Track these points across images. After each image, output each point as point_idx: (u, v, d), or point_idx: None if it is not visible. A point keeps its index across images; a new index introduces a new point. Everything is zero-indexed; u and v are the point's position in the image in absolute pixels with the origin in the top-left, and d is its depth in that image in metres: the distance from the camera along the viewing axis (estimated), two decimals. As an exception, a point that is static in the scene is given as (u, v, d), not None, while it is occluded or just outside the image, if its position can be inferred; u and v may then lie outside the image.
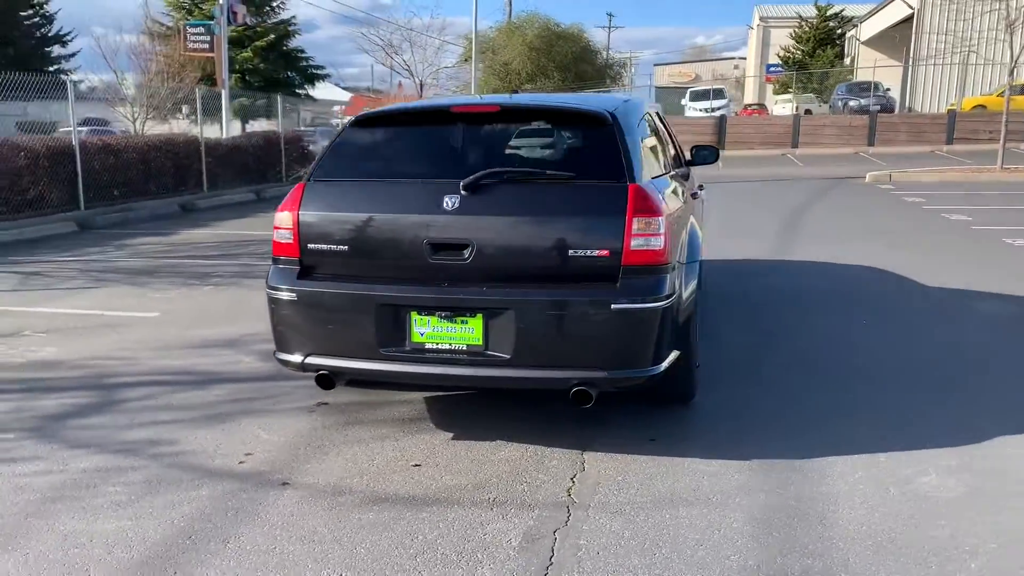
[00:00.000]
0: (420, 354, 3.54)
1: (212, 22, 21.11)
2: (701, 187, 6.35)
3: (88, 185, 12.88)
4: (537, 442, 3.78)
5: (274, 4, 45.61)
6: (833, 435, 3.82)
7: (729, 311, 6.29)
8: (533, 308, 3.43)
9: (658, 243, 3.46)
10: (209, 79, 25.55)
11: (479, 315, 3.47)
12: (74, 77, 20.24)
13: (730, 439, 3.81)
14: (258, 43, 47.78)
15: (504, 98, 4.24)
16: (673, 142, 5.94)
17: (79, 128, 14.94)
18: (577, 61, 48.92)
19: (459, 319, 3.48)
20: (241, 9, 21.54)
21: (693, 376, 4.07)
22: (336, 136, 3.99)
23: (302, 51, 48.99)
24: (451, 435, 3.90)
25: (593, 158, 3.65)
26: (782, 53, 49.69)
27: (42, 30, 37.84)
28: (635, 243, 3.43)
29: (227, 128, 19.94)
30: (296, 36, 50.41)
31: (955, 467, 3.48)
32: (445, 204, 3.51)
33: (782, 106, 39.38)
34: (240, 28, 48.02)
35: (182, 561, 2.81)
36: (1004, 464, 3.51)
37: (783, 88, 45.43)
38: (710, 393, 4.35)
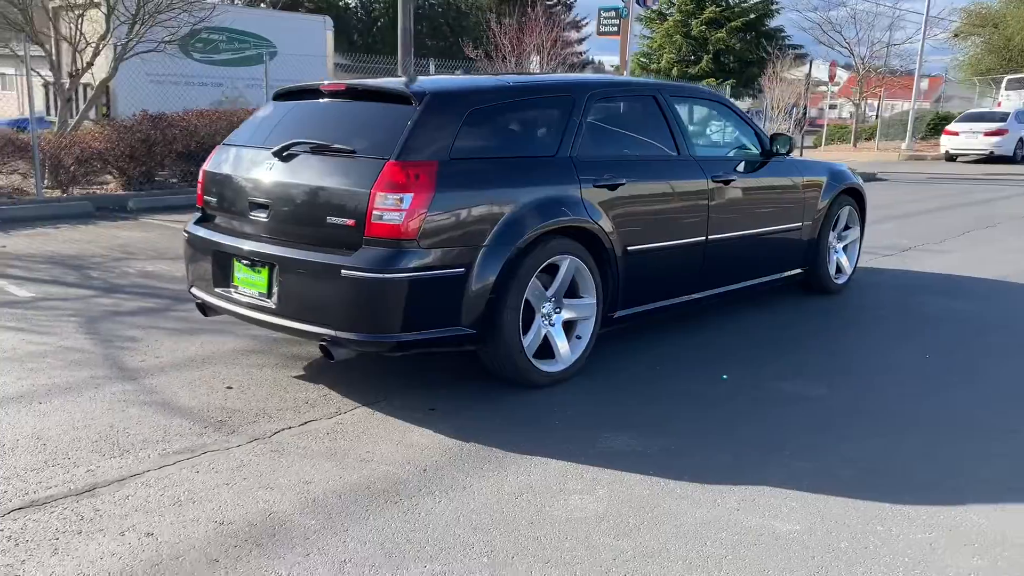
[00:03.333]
0: (237, 294, 4.20)
1: (622, 6, 22.26)
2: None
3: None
4: (349, 393, 4.17)
5: (757, -16, 45.58)
6: (626, 452, 3.57)
7: (838, 326, 5.71)
8: (288, 265, 3.88)
9: (399, 218, 3.65)
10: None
11: (266, 267, 4.01)
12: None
13: (507, 426, 3.81)
14: (733, 23, 48.44)
15: (356, 80, 4.55)
16: (756, 130, 5.62)
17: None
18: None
19: (256, 269, 4.07)
20: (653, -8, 22.32)
21: (515, 360, 4.07)
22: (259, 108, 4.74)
23: (781, 30, 48.42)
24: (300, 374, 4.47)
25: (380, 135, 3.89)
26: None
27: (562, 17, 43.07)
28: (376, 216, 3.67)
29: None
30: (777, 15, 49.93)
31: (624, 496, 3.14)
32: (263, 168, 4.10)
33: None
34: (717, 10, 49.23)
35: (-15, 407, 3.92)
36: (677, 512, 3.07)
37: None
38: (620, 401, 4.18)
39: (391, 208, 3.65)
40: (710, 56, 46.64)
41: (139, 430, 3.68)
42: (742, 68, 44.31)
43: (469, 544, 2.79)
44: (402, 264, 3.67)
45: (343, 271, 3.68)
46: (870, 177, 18.16)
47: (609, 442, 3.66)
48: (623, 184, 4.49)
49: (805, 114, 23.09)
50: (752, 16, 47.92)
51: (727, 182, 5.17)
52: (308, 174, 3.94)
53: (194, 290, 4.54)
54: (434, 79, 4.70)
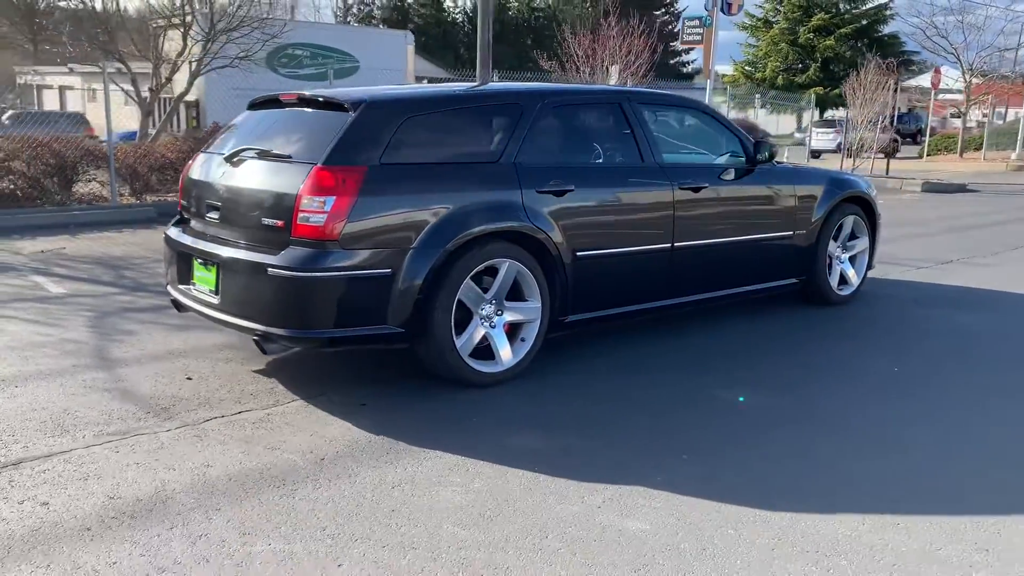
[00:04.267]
0: (195, 291, 4.49)
1: (705, 15, 21.97)
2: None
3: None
4: (295, 387, 4.40)
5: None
6: (525, 450, 3.67)
7: (817, 340, 5.59)
8: (227, 263, 4.14)
9: (321, 220, 3.85)
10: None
11: (215, 266, 4.28)
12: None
13: (428, 422, 3.94)
14: (843, 30, 46.99)
15: (311, 91, 4.73)
16: (740, 137, 5.57)
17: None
18: None
19: (207, 267, 4.34)
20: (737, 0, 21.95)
21: (447, 359, 4.20)
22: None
23: (895, 36, 46.69)
24: (261, 368, 4.72)
25: (316, 141, 4.10)
26: None
27: (669, 27, 43.11)
28: (302, 218, 3.88)
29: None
30: (891, 21, 48.16)
31: (496, 490, 3.22)
32: (218, 173, 4.38)
33: None
34: (827, 17, 47.81)
35: (-35, 389, 4.33)
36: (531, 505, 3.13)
37: None
38: (562, 401, 4.32)
39: (315, 210, 3.85)
40: (818, 64, 45.43)
41: (88, 413, 3.99)
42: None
43: (323, 527, 2.95)
44: (323, 264, 3.86)
45: (269, 269, 3.91)
46: (958, 188, 17.39)
47: (518, 440, 3.74)
48: (571, 190, 4.55)
49: (892, 123, 22.26)
50: (864, 23, 46.43)
51: (697, 189, 5.15)
52: (250, 178, 4.19)
53: (169, 287, 4.87)
54: (378, 89, 4.86)
